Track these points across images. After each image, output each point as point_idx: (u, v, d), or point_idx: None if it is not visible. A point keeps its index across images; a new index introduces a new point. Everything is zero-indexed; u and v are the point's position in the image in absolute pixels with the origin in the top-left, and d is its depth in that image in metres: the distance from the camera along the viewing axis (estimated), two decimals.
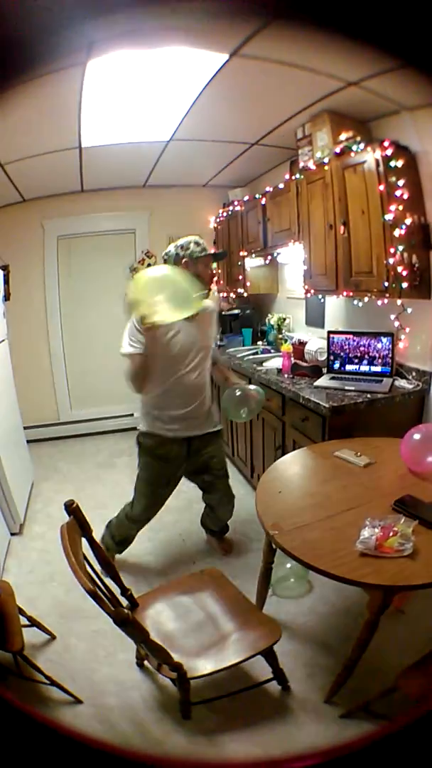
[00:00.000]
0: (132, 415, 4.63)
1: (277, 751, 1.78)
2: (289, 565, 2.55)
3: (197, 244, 2.46)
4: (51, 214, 4.99)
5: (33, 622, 2.26)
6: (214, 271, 2.59)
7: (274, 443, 3.23)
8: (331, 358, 3.17)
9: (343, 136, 2.91)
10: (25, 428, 4.11)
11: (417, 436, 2.08)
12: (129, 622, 1.41)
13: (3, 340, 3.75)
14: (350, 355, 3.10)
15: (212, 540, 3.14)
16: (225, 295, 5.29)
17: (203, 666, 1.72)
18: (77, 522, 1.70)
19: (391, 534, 1.59)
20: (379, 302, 2.83)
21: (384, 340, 2.96)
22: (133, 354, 2.37)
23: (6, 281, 4.37)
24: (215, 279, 2.58)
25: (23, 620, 2.14)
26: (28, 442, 4.17)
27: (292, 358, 3.31)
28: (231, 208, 4.72)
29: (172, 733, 1.88)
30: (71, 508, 1.70)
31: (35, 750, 0.89)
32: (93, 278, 5.25)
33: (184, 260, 2.44)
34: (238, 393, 2.56)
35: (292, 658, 2.15)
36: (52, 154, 3.59)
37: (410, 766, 0.87)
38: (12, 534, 3.26)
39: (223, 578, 2.13)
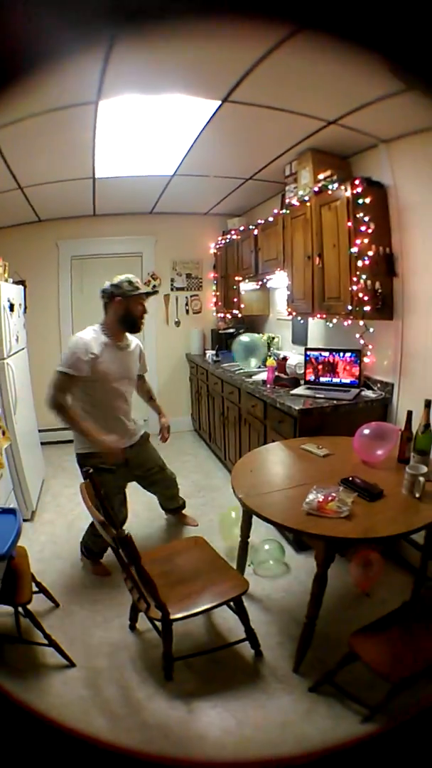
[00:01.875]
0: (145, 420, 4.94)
1: (248, 720, 1.95)
2: (267, 547, 2.93)
3: (130, 283, 2.65)
4: (65, 235, 5.43)
5: (41, 588, 2.53)
6: (145, 308, 2.77)
7: (258, 443, 3.59)
8: (309, 371, 3.59)
9: (321, 176, 3.25)
10: (39, 431, 4.47)
11: (366, 432, 2.48)
12: (129, 542, 1.74)
13: (22, 348, 4.15)
14: (324, 368, 3.51)
15: (176, 517, 3.59)
16: (222, 315, 5.72)
17: (184, 611, 2.03)
18: (92, 484, 2.10)
19: (330, 499, 1.98)
20: (346, 323, 3.23)
21: (352, 356, 3.37)
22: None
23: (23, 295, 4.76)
24: (145, 314, 2.79)
25: (33, 587, 2.39)
26: (41, 443, 4.55)
27: (276, 372, 3.73)
28: (229, 236, 5.16)
29: (153, 696, 2.08)
30: (88, 474, 2.13)
31: (23, 741, 0.94)
32: None
33: (117, 298, 2.65)
34: None
35: (265, 627, 2.44)
36: (68, 182, 4.01)
37: (406, 764, 0.91)
38: (24, 520, 3.57)
39: (206, 544, 2.49)
